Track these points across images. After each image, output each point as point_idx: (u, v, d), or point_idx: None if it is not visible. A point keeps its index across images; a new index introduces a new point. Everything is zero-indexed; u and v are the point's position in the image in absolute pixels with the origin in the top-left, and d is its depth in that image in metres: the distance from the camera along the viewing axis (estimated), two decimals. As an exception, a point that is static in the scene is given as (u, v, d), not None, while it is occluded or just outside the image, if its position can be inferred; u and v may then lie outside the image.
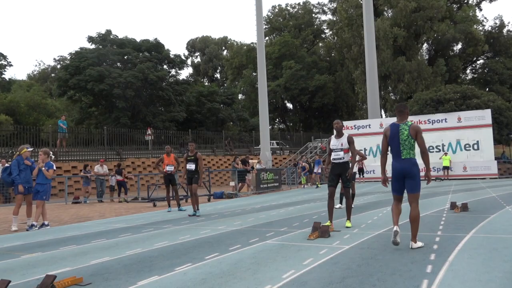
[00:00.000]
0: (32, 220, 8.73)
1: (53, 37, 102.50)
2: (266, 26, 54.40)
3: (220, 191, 17.29)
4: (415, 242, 5.18)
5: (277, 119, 58.16)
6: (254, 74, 46.83)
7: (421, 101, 29.48)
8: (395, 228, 5.17)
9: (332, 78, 48.25)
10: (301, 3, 56.89)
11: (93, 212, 12.24)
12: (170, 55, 40.06)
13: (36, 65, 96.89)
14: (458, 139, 23.82)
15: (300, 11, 56.76)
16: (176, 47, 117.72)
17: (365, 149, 24.55)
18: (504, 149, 30.61)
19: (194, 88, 44.43)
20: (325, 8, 55.76)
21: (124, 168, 19.82)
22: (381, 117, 33.22)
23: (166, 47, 40.19)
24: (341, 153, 6.99)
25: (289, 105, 56.34)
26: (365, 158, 13.81)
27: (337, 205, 10.31)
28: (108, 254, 5.53)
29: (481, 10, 48.38)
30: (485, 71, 45.22)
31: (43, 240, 7.09)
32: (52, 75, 56.04)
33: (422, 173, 5.25)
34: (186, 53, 68.94)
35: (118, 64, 37.55)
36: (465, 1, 46.13)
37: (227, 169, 25.36)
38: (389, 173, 5.49)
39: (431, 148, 23.53)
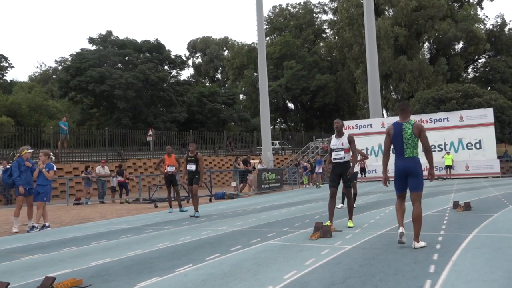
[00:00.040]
0: (33, 221, 8.70)
1: (54, 38, 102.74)
2: (267, 26, 54.38)
3: (221, 191, 17.26)
4: (418, 242, 5.14)
5: (279, 119, 58.11)
6: (255, 74, 46.78)
7: (422, 100, 29.41)
8: (401, 229, 5.20)
9: (333, 78, 48.18)
10: (302, 3, 56.85)
11: (94, 213, 12.22)
12: (171, 55, 40.05)
13: (37, 67, 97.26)
14: (460, 138, 23.74)
15: (301, 11, 56.71)
16: (177, 47, 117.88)
17: (366, 149, 24.48)
18: (506, 148, 30.47)
19: (195, 89, 44.41)
20: (326, 8, 55.76)
21: (126, 169, 19.79)
22: (383, 116, 33.16)
23: (167, 48, 40.19)
24: (342, 152, 6.94)
25: (291, 105, 56.32)
26: (367, 158, 13.78)
27: (339, 205, 10.27)
28: (108, 256, 5.50)
29: (482, 8, 48.32)
30: (487, 69, 45.11)
31: (44, 242, 7.06)
32: (54, 76, 56.12)
33: (425, 172, 5.22)
34: (187, 53, 69.03)
35: (119, 65, 37.56)
36: (466, -1, 46.06)
37: (228, 170, 25.32)
38: (390, 173, 5.45)
39: (433, 147, 23.35)
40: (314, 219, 8.27)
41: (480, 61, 47.44)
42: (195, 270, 4.52)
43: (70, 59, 37.20)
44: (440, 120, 24.29)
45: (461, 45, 44.26)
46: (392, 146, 5.46)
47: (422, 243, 5.15)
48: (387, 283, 3.74)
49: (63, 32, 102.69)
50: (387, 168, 5.52)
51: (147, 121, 34.98)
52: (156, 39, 39.67)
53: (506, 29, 44.82)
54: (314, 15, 57.01)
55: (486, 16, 50.22)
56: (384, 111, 42.57)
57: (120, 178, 17.25)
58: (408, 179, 5.24)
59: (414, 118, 5.58)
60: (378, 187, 17.91)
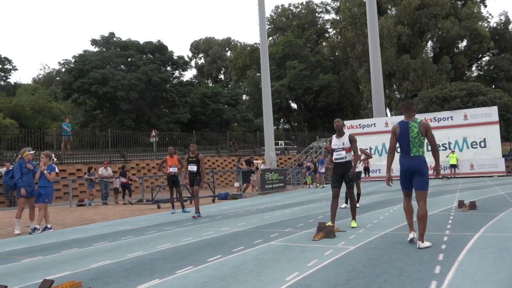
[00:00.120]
0: (35, 223, 8.68)
1: (58, 41, 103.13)
2: (270, 26, 54.32)
3: (224, 192, 17.20)
4: (423, 242, 5.07)
5: (282, 119, 58.02)
6: (258, 74, 46.73)
7: (426, 99, 29.25)
8: (411, 235, 5.32)
9: (336, 78, 48.05)
10: (304, 3, 56.77)
11: (97, 215, 12.19)
12: (174, 56, 40.08)
13: (41, 69, 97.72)
14: (464, 136, 23.56)
15: (303, 11, 56.62)
16: (180, 48, 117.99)
17: (370, 148, 24.35)
18: (511, 146, 30.25)
19: (198, 90, 44.42)
20: (328, 7, 55.65)
21: (129, 170, 19.79)
22: (386, 116, 32.99)
23: (169, 49, 40.24)
24: (343, 152, 6.84)
25: (294, 105, 56.19)
26: (371, 157, 13.67)
27: (343, 205, 10.19)
28: (109, 257, 5.45)
29: (485, 6, 48.02)
30: (491, 68, 44.83)
31: (45, 244, 7.02)
32: (57, 78, 56.29)
33: (430, 171, 5.18)
34: (190, 54, 69.06)
35: (122, 66, 37.62)
36: (470, -3, 45.76)
37: (231, 170, 25.27)
38: (394, 172, 5.39)
39: (437, 146, 23.27)
40: (317, 219, 8.19)
41: (484, 59, 47.16)
42: (196, 271, 4.46)
43: (73, 61, 37.30)
44: (444, 119, 24.12)
45: (464, 43, 44.02)
46: (397, 145, 5.42)
47: (427, 243, 5.07)
48: (391, 284, 3.67)
49: (67, 34, 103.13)
50: (391, 167, 5.46)
51: (150, 122, 35.02)
52: (159, 40, 39.75)
53: (510, 27, 44.50)
54: (317, 14, 56.91)
55: (490, 14, 50.06)
56: (388, 111, 42.41)
57: (123, 179, 17.25)
58: (413, 177, 5.19)
59: (418, 117, 5.53)
60: (382, 187, 17.79)
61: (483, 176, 22.26)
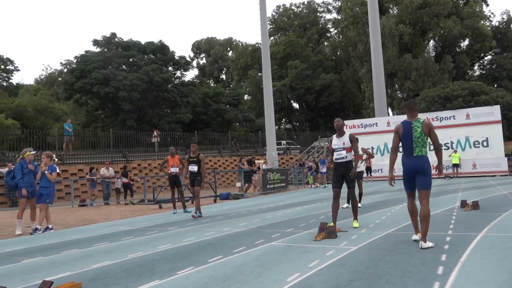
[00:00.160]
0: (36, 223, 8.67)
1: (60, 41, 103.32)
2: (271, 26, 54.25)
3: (226, 192, 17.17)
4: (425, 242, 5.03)
5: (284, 119, 57.97)
6: (259, 74, 46.69)
7: (428, 98, 29.19)
8: (417, 237, 5.38)
9: (338, 77, 47.97)
10: (306, 2, 56.70)
11: (98, 215, 12.18)
12: (175, 56, 40.08)
13: (43, 70, 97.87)
14: (467, 136, 23.47)
15: (304, 11, 56.55)
16: (182, 49, 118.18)
17: (372, 148, 24.27)
18: (514, 146, 30.13)
19: (200, 90, 44.43)
20: (329, 7, 55.59)
21: (130, 170, 19.78)
22: (388, 115, 32.92)
23: (171, 49, 40.23)
24: (344, 152, 6.79)
25: (295, 105, 56.13)
26: (373, 157, 13.62)
27: (345, 205, 10.15)
28: (109, 258, 5.42)
29: (488, 5, 47.94)
30: (493, 67, 44.71)
31: (46, 244, 7.01)
32: (59, 79, 56.42)
33: (433, 171, 5.17)
34: (192, 54, 69.05)
35: (123, 66, 37.66)
36: (472, -4, 45.64)
37: (233, 170, 25.24)
38: (397, 172, 5.37)
39: (439, 145, 23.19)
40: (319, 219, 8.15)
41: (486, 58, 47.04)
42: (197, 272, 4.43)
43: (75, 61, 37.35)
44: (446, 118, 24.04)
45: (466, 42, 43.93)
46: (399, 145, 5.41)
47: (429, 244, 5.03)
48: (394, 285, 3.63)
49: (69, 35, 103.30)
50: (394, 167, 5.45)
51: (152, 123, 35.03)
52: (160, 40, 39.76)
53: (513, 25, 44.40)
54: (318, 14, 56.84)
55: (492, 13, 49.67)
56: (390, 110, 42.31)
57: (125, 180, 17.25)
58: (416, 177, 5.19)
59: (420, 116, 5.53)
60: (384, 187, 17.73)
61: (485, 176, 22.17)
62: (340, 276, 4.00)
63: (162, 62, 37.84)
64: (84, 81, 33.00)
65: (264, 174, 18.60)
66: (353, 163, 6.84)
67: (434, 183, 5.56)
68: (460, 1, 45.00)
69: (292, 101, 53.98)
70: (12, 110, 36.99)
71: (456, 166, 22.88)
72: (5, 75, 43.41)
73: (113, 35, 38.66)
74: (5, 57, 42.76)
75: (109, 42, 38.14)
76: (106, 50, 37.47)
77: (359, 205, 9.45)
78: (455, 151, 23.19)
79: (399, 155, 5.40)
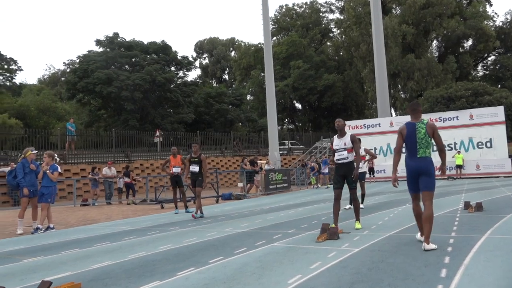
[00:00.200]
0: (38, 223, 8.66)
1: (63, 41, 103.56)
2: (274, 26, 54.23)
3: (228, 192, 17.14)
4: (428, 244, 4.98)
5: (286, 119, 57.90)
6: (262, 74, 46.64)
7: (431, 98, 29.08)
8: (419, 237, 5.45)
9: (341, 77, 47.88)
10: (308, 2, 56.63)
11: (100, 215, 12.17)
12: (178, 56, 40.08)
13: (46, 69, 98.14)
14: (470, 137, 23.34)
15: (307, 11, 56.49)
16: (184, 49, 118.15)
17: (375, 148, 24.18)
18: (518, 147, 29.95)
19: (203, 90, 44.42)
20: (332, 7, 55.51)
21: (133, 170, 19.78)
22: (391, 115, 32.82)
23: (173, 49, 40.23)
24: (345, 152, 6.73)
25: (298, 105, 56.09)
26: (376, 157, 13.55)
27: (347, 206, 10.10)
28: (110, 258, 5.40)
29: (491, 5, 47.98)
30: (497, 67, 44.53)
31: (47, 244, 6.99)
32: (62, 79, 56.49)
33: (437, 172, 5.15)
34: (194, 54, 69.12)
35: (126, 66, 37.68)
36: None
37: (235, 170, 25.21)
38: (400, 173, 5.34)
39: (442, 146, 23.07)
40: (321, 220, 8.11)
41: (489, 58, 46.86)
42: (198, 273, 4.40)
43: (77, 61, 37.40)
44: (449, 119, 23.92)
45: (470, 42, 43.76)
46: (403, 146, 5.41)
47: (432, 246, 4.98)
48: (396, 288, 3.58)
49: (71, 35, 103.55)
50: (397, 168, 5.43)
51: (154, 122, 35.03)
52: (163, 40, 39.74)
53: (516, 26, 44.21)
54: (321, 14, 56.76)
55: (496, 13, 49.52)
56: (393, 110, 42.20)
57: (127, 179, 17.25)
58: (420, 178, 5.17)
59: (423, 117, 5.50)
60: (387, 187, 17.66)
61: (489, 177, 22.04)
62: (342, 278, 3.95)
63: (164, 62, 37.85)
64: (87, 81, 33.04)
65: (267, 174, 18.56)
66: (355, 164, 6.78)
67: (437, 184, 5.51)
68: (464, 1, 44.83)
69: (294, 101, 53.93)
70: (15, 110, 37.08)
71: (459, 167, 22.77)
72: (8, 74, 43.48)
73: (116, 35, 38.68)
74: (8, 57, 42.82)
75: (112, 42, 38.16)
76: (108, 50, 37.50)
77: (361, 206, 9.41)
78: (459, 152, 23.08)
79: (402, 156, 5.38)
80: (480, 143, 23.18)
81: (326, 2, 56.18)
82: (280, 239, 6.29)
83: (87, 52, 36.80)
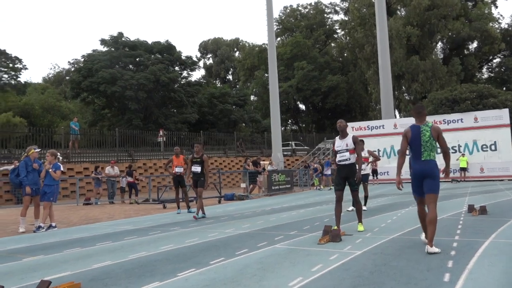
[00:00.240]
0: (40, 221, 8.66)
1: (68, 40, 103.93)
2: (278, 27, 54.18)
3: (231, 192, 17.11)
4: (431, 247, 4.94)
5: (290, 120, 57.81)
6: (266, 75, 46.58)
7: (436, 101, 28.90)
8: (423, 238, 5.48)
9: (345, 79, 47.76)
10: (313, 3, 56.55)
11: (102, 214, 12.17)
12: (182, 56, 40.13)
13: (51, 68, 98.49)
14: (474, 139, 23.19)
15: (311, 11, 56.39)
16: (188, 49, 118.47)
17: (378, 150, 24.06)
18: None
19: (206, 90, 44.46)
20: (337, 8, 55.38)
21: (136, 169, 19.80)
22: (395, 117, 32.69)
23: (178, 49, 40.30)
24: (347, 154, 6.66)
25: (302, 106, 55.95)
26: (379, 159, 13.47)
27: (350, 208, 10.03)
28: (111, 258, 5.38)
29: (496, 7, 47.84)
30: (502, 69, 44.29)
31: (48, 243, 6.99)
32: (67, 78, 56.71)
33: (441, 175, 5.14)
34: (199, 55, 69.15)
35: (130, 66, 37.78)
36: (481, -2, 45.24)
37: (238, 171, 25.18)
38: (403, 175, 5.32)
39: (446, 149, 22.94)
40: (323, 222, 8.07)
41: (495, 61, 46.61)
42: (198, 274, 4.37)
43: (82, 60, 37.54)
44: (454, 121, 23.78)
45: (475, 44, 43.52)
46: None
47: (436, 249, 4.93)
48: (398, 292, 3.54)
49: (76, 34, 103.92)
50: (401, 170, 5.39)
51: (158, 122, 35.10)
52: (167, 40, 39.83)
53: (522, 28, 43.95)
54: (325, 15, 56.66)
55: (501, 15, 49.47)
56: (397, 112, 42.04)
57: (130, 179, 17.26)
58: (424, 181, 5.14)
59: (427, 119, 5.47)
60: (390, 189, 17.57)
61: (493, 180, 21.89)
62: (344, 281, 3.91)
63: (168, 62, 37.92)
64: (91, 80, 33.15)
65: (269, 175, 18.52)
66: (357, 166, 6.71)
67: (441, 187, 5.47)
68: (469, 3, 44.59)
69: (298, 102, 53.81)
70: (19, 108, 37.28)
71: (463, 169, 22.62)
72: (13, 73, 43.70)
73: (120, 34, 38.80)
74: (13, 55, 43.09)
75: (116, 42, 38.27)
76: (113, 49, 37.61)
77: (364, 208, 9.35)
78: (463, 155, 22.94)
79: (407, 158, 5.36)
80: (484, 146, 23.02)
81: (330, 3, 56.21)
82: (282, 240, 6.25)
83: (91, 52, 36.98)
